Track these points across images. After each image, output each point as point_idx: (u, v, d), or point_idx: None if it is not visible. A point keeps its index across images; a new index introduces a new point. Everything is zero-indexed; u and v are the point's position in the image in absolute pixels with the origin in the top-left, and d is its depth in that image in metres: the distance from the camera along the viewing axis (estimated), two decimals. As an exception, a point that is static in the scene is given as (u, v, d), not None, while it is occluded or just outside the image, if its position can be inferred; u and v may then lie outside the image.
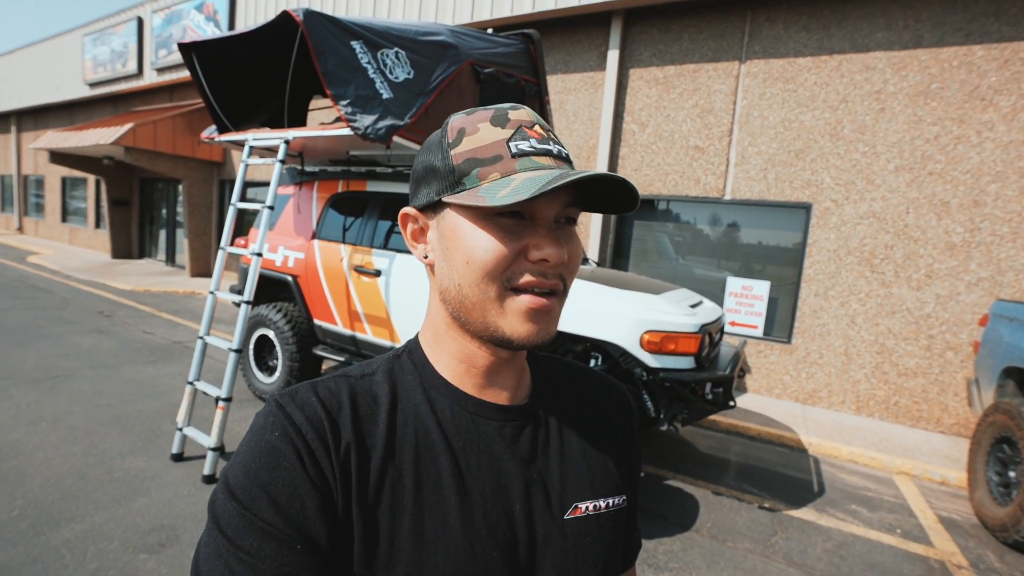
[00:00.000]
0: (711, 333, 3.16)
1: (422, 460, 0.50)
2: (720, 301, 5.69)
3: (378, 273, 3.66)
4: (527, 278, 0.48)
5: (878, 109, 4.90)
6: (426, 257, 0.54)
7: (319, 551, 0.44)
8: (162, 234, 12.78)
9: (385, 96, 2.97)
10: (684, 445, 4.23)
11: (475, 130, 0.49)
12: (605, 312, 3.01)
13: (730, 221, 5.78)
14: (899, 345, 4.89)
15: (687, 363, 2.95)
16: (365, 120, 2.87)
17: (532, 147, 0.48)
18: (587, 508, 0.55)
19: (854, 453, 4.18)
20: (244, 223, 9.97)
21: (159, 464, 3.17)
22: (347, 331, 3.91)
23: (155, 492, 2.86)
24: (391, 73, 3.06)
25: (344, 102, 2.85)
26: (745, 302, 5.61)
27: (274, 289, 4.50)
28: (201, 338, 3.32)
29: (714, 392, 3.02)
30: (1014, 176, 4.49)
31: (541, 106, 4.35)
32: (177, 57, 10.72)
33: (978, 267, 4.60)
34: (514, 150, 0.48)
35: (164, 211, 12.61)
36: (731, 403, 3.08)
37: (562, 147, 0.51)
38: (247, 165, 3.45)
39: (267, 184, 9.91)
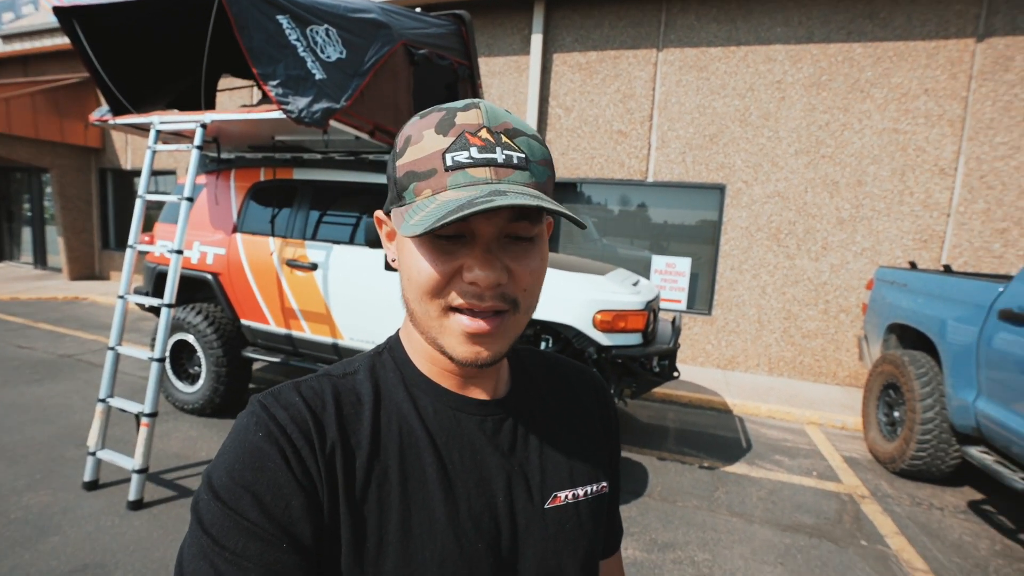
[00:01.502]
0: (654, 309, 3.35)
1: (407, 457, 0.50)
2: (646, 278, 6.03)
3: (314, 267, 3.44)
4: (459, 301, 0.47)
5: (779, 97, 5.39)
6: (393, 260, 0.54)
7: (305, 550, 0.44)
8: (26, 232, 11.01)
9: (318, 77, 2.75)
10: (626, 418, 4.46)
11: (419, 138, 0.46)
12: (556, 295, 3.07)
13: (653, 202, 6.11)
14: (802, 310, 5.49)
15: (636, 339, 3.10)
16: (299, 103, 2.64)
17: (470, 158, 0.44)
18: (566, 497, 0.57)
19: (771, 410, 4.67)
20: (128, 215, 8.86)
21: (68, 496, 2.78)
22: (282, 330, 3.64)
23: (69, 528, 2.51)
24: (322, 52, 2.84)
25: (273, 82, 2.60)
26: (669, 278, 5.99)
27: (189, 289, 4.07)
28: (112, 349, 2.93)
29: (660, 365, 3.21)
30: (887, 159, 5.17)
31: (474, 90, 4.28)
32: (30, 22, 9.17)
33: (862, 239, 5.27)
34: (448, 162, 0.44)
35: (27, 205, 10.86)
36: (675, 374, 3.30)
37: (516, 151, 0.46)
38: (154, 152, 3.05)
39: (165, 173, 8.87)
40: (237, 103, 7.40)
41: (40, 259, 10.74)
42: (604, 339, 3.01)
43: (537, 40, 6.09)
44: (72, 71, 9.29)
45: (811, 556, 2.66)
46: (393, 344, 0.58)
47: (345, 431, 0.49)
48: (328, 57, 2.86)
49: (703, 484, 3.35)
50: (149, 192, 3.01)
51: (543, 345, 3.23)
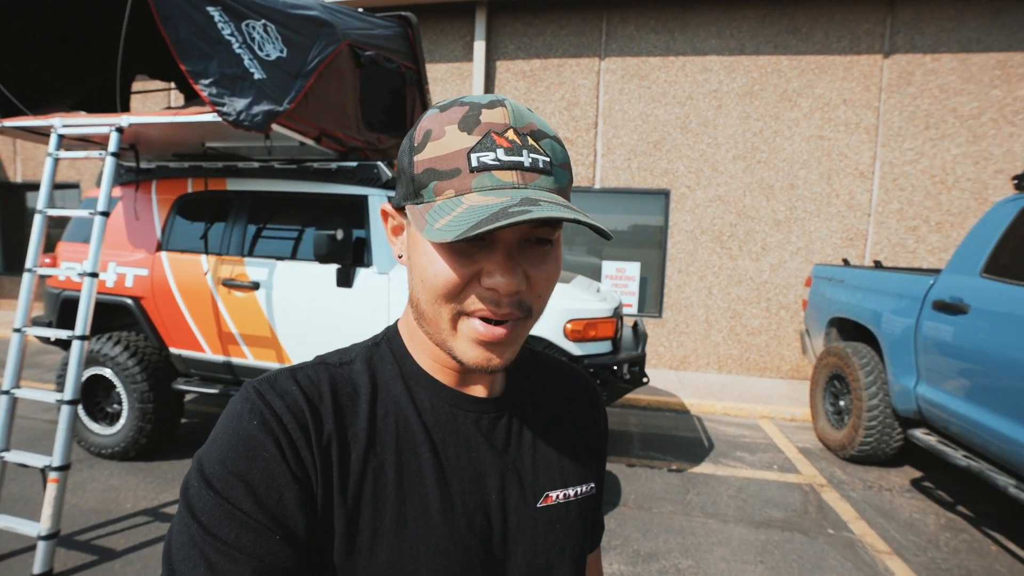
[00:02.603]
0: (620, 316, 3.32)
1: (403, 451, 0.50)
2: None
3: (256, 286, 3.12)
4: (477, 305, 0.46)
5: (716, 106, 5.63)
6: (400, 256, 0.54)
7: (298, 542, 0.44)
8: None
9: (257, 76, 2.49)
10: (591, 424, 4.42)
11: (441, 134, 0.45)
12: (525, 306, 2.95)
13: (600, 209, 6.18)
14: (746, 309, 5.74)
15: (606, 347, 3.05)
16: (236, 104, 2.36)
17: (496, 160, 0.43)
18: (557, 497, 0.57)
19: (726, 407, 4.81)
20: (18, 236, 7.79)
21: (-46, 575, 2.30)
22: (219, 357, 3.27)
23: (-43, 615, 2.06)
24: (260, 49, 2.57)
25: (206, 81, 2.31)
26: (620, 283, 6.06)
27: (103, 317, 3.57)
28: (7, 392, 2.47)
29: (631, 371, 3.18)
30: (815, 164, 5.53)
31: (422, 95, 4.11)
32: None
33: (797, 239, 5.59)
34: (474, 163, 0.43)
35: None
36: (645, 379, 3.29)
37: (542, 154, 0.45)
38: (56, 159, 2.63)
39: (66, 187, 7.89)
40: (151, 108, 6.74)
41: (-94, 288, 9.21)
42: (575, 349, 2.93)
43: (480, 47, 6.01)
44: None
45: (787, 550, 2.70)
46: (391, 335, 0.57)
47: (342, 423, 0.48)
48: (267, 55, 2.59)
49: (674, 488, 3.35)
50: (51, 207, 2.59)
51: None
